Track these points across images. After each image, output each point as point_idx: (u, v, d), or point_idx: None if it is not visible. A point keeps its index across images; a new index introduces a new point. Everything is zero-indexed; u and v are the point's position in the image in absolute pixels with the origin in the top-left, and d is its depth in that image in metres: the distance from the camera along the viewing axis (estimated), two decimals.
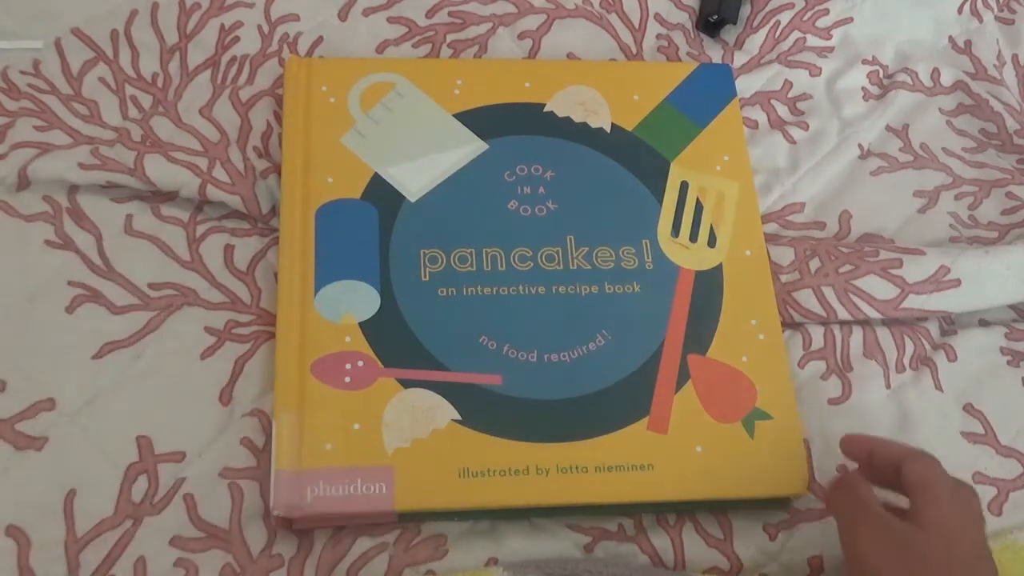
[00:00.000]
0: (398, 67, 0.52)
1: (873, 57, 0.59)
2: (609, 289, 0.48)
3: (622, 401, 0.46)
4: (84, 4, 0.53)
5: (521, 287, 0.47)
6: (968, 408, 0.50)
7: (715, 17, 0.58)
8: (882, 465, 0.41)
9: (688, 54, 0.58)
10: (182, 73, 0.53)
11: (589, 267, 0.48)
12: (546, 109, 0.52)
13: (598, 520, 0.45)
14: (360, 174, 0.49)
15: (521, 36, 0.57)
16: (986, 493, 0.48)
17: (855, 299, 0.50)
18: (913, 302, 0.50)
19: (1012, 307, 0.53)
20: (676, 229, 0.50)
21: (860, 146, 0.57)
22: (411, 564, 0.43)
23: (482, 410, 0.44)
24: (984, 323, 0.53)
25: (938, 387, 0.50)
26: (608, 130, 0.52)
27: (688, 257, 0.50)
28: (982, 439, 0.49)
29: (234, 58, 0.54)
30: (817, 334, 0.51)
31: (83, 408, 0.44)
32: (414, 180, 0.49)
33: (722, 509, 0.46)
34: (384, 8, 0.57)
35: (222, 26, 0.54)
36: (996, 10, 0.63)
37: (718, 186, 0.52)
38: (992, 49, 0.61)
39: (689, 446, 0.45)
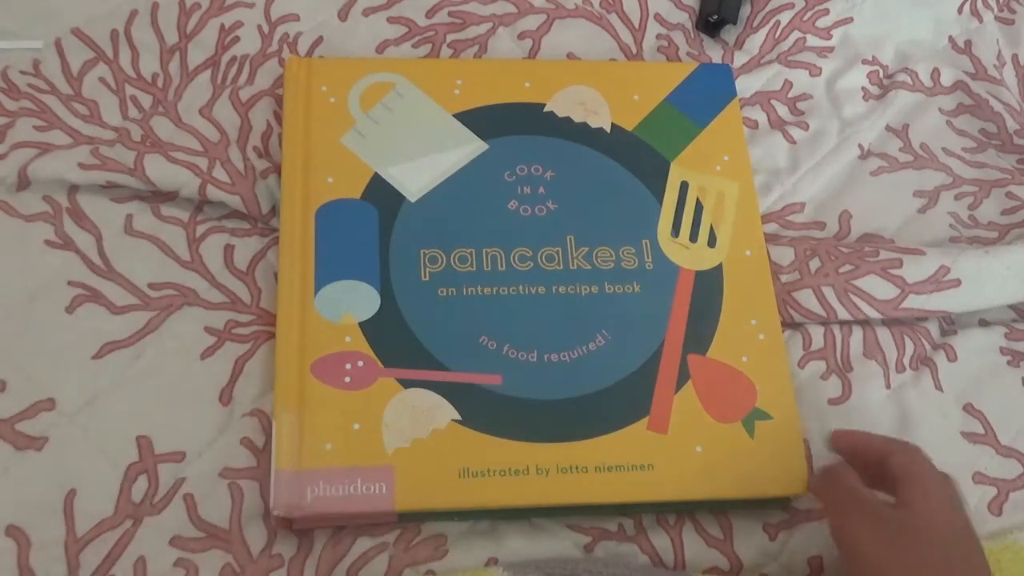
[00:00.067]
0: (398, 67, 0.52)
1: (873, 57, 0.60)
2: (609, 289, 0.48)
3: (622, 401, 0.46)
4: (84, 4, 0.53)
5: (521, 287, 0.47)
6: (968, 408, 0.50)
7: (715, 17, 0.58)
8: (868, 457, 0.42)
9: (688, 54, 0.58)
10: (182, 73, 0.53)
11: (589, 267, 0.48)
12: (546, 109, 0.52)
13: (598, 520, 0.45)
14: (360, 174, 0.49)
15: (521, 36, 0.57)
16: (986, 493, 0.48)
17: (855, 299, 0.50)
18: (913, 302, 0.50)
19: (1012, 307, 0.53)
20: (676, 229, 0.50)
21: (860, 146, 0.57)
22: (411, 564, 0.43)
23: (482, 410, 0.44)
24: (984, 323, 0.53)
25: (938, 387, 0.50)
26: (608, 130, 0.52)
27: (688, 257, 0.50)
28: (982, 439, 0.49)
29: (234, 58, 0.54)
30: (817, 334, 0.51)
31: (83, 408, 0.44)
32: (414, 180, 0.49)
33: (722, 509, 0.46)
34: (384, 8, 0.57)
35: (222, 26, 0.54)
36: (996, 10, 0.63)
37: (718, 186, 0.52)
38: (992, 49, 0.61)
39: (689, 446, 0.45)
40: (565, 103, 0.53)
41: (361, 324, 0.45)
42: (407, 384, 0.45)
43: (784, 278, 0.51)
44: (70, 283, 0.47)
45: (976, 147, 0.58)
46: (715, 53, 0.59)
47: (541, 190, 0.50)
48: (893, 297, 0.50)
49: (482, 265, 0.48)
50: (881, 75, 0.59)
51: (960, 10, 0.62)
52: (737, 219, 0.51)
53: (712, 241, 0.50)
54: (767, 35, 0.59)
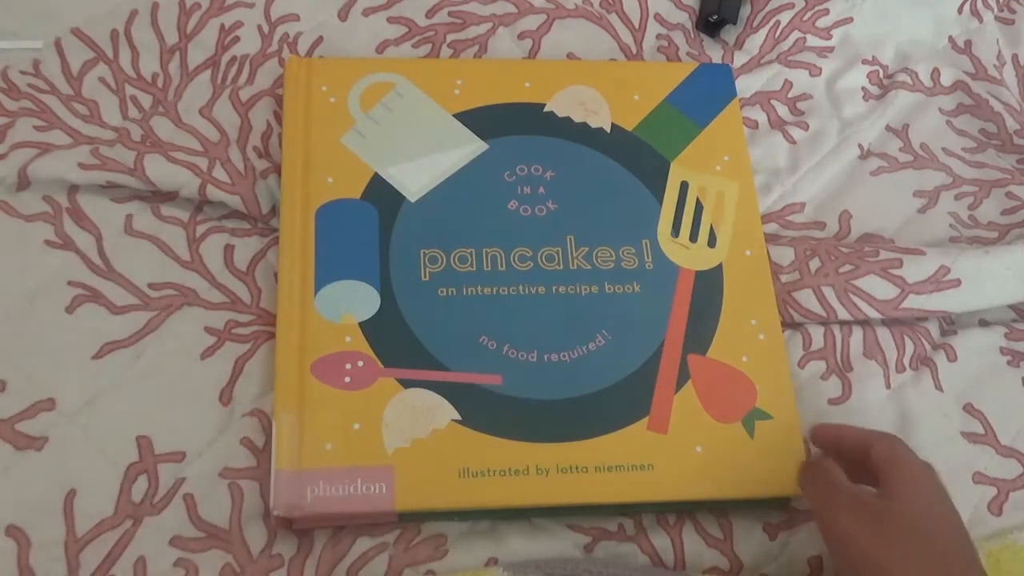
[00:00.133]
0: (398, 67, 0.52)
1: (873, 57, 0.59)
2: (609, 289, 0.48)
3: (622, 401, 0.46)
4: (84, 4, 0.53)
5: (521, 287, 0.47)
6: (968, 408, 0.50)
7: (715, 17, 0.58)
8: (851, 449, 0.43)
9: (688, 54, 0.58)
10: (182, 73, 0.53)
11: (589, 267, 0.48)
12: (546, 109, 0.52)
13: (598, 520, 0.45)
14: (360, 174, 0.49)
15: (521, 36, 0.57)
16: (986, 493, 0.48)
17: (855, 299, 0.50)
18: (913, 302, 0.50)
19: (1012, 307, 0.53)
20: (676, 229, 0.50)
21: (860, 146, 0.57)
22: (411, 564, 0.43)
23: (482, 410, 0.44)
24: (984, 323, 0.53)
25: (938, 387, 0.50)
26: (608, 130, 0.52)
27: (688, 257, 0.50)
28: (982, 439, 0.49)
29: (234, 58, 0.54)
30: (817, 334, 0.51)
31: (83, 408, 0.44)
32: (414, 180, 0.49)
33: (722, 509, 0.46)
34: (384, 8, 0.57)
35: (222, 26, 0.54)
36: (996, 10, 0.63)
37: (718, 186, 0.52)
38: (992, 49, 0.61)
39: (689, 446, 0.45)
40: (565, 103, 0.53)
41: (361, 324, 0.45)
42: (407, 384, 0.45)
43: (784, 278, 0.51)
44: (70, 283, 0.47)
45: (976, 147, 0.58)
46: (715, 53, 0.59)
47: (541, 190, 0.50)
48: (893, 297, 0.50)
49: (482, 265, 0.48)
50: (881, 75, 0.59)
51: (960, 10, 0.62)
52: (737, 219, 0.51)
53: (712, 241, 0.50)
54: (767, 35, 0.59)
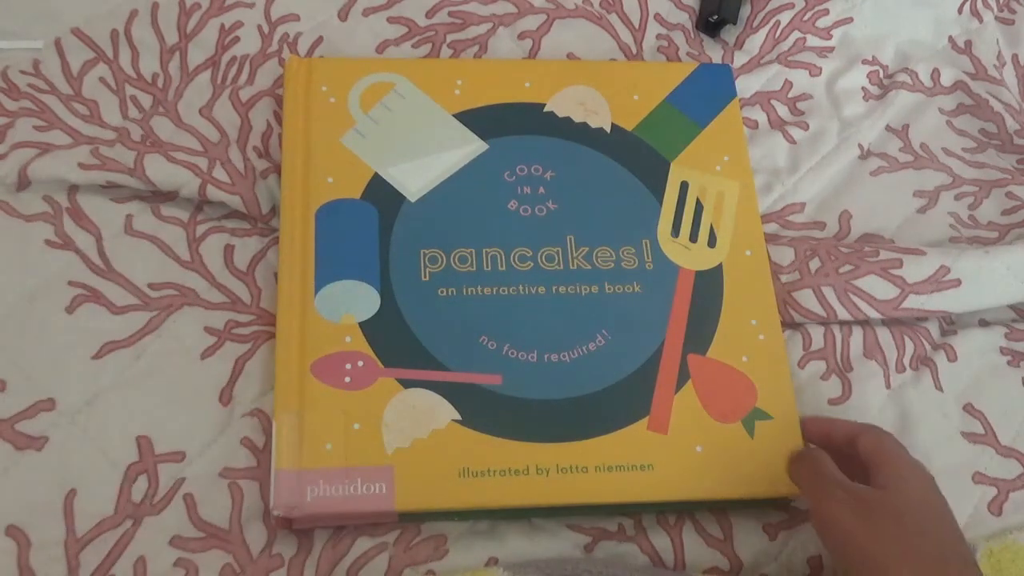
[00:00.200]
0: (398, 67, 0.52)
1: (873, 57, 0.59)
2: (609, 289, 0.48)
3: (622, 401, 0.46)
4: (84, 4, 0.53)
5: (521, 287, 0.47)
6: (968, 408, 0.50)
7: (715, 17, 0.58)
8: (839, 441, 0.43)
9: (688, 54, 0.58)
10: (182, 73, 0.53)
11: (589, 267, 0.48)
12: (546, 109, 0.52)
13: (598, 520, 0.45)
14: (360, 174, 0.49)
15: (521, 36, 0.57)
16: (986, 493, 0.48)
17: (855, 299, 0.50)
18: (913, 302, 0.50)
19: (1012, 307, 0.53)
20: (676, 229, 0.50)
21: (860, 146, 0.57)
22: (411, 564, 0.43)
23: (482, 410, 0.44)
24: (984, 323, 0.53)
25: (938, 387, 0.50)
26: (608, 130, 0.52)
27: (688, 257, 0.50)
28: (982, 439, 0.49)
29: (234, 58, 0.54)
30: (817, 334, 0.51)
31: (83, 408, 0.44)
32: (414, 180, 0.49)
33: (722, 509, 0.46)
34: (384, 8, 0.57)
35: (222, 26, 0.54)
36: (996, 10, 0.63)
37: (718, 186, 0.52)
38: (992, 49, 0.61)
39: (689, 446, 0.45)
40: (565, 103, 0.53)
41: (361, 324, 0.45)
42: (407, 384, 0.45)
43: (784, 278, 0.51)
44: (70, 283, 0.47)
45: (976, 147, 0.58)
46: (715, 53, 0.59)
47: (541, 190, 0.50)
48: (893, 297, 0.50)
49: (482, 265, 0.48)
50: (881, 75, 0.59)
51: (960, 10, 0.62)
52: (737, 219, 0.51)
53: (712, 241, 0.50)
54: (767, 35, 0.59)
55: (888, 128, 0.58)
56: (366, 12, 0.56)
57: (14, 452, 0.43)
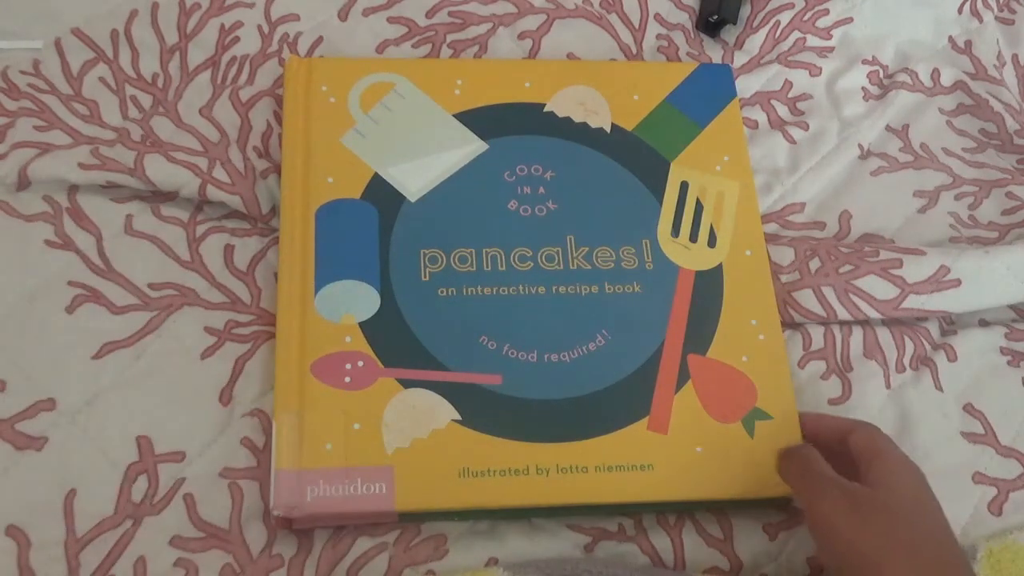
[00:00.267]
0: (398, 67, 0.52)
1: (873, 57, 0.59)
2: (609, 289, 0.48)
3: (622, 401, 0.46)
4: (84, 4, 0.53)
5: (521, 287, 0.47)
6: (968, 408, 0.50)
7: (715, 17, 0.58)
8: (830, 438, 0.43)
9: (688, 54, 0.58)
10: (182, 73, 0.53)
11: (589, 267, 0.48)
12: (546, 109, 0.52)
13: (598, 520, 0.45)
14: (360, 174, 0.49)
15: (521, 36, 0.57)
16: (986, 493, 0.48)
17: (855, 299, 0.50)
18: (913, 302, 0.50)
19: (1012, 307, 0.53)
20: (676, 229, 0.50)
21: (860, 146, 0.57)
22: (411, 564, 0.43)
23: (482, 410, 0.44)
24: (984, 323, 0.53)
25: (938, 387, 0.50)
26: (608, 130, 0.52)
27: (688, 257, 0.50)
28: (982, 439, 0.49)
29: (234, 58, 0.54)
30: (817, 334, 0.51)
31: (83, 408, 0.44)
32: (414, 180, 0.49)
33: (722, 509, 0.46)
34: (384, 8, 0.57)
35: (222, 26, 0.54)
36: (996, 10, 0.63)
37: (718, 186, 0.52)
38: (992, 49, 0.61)
39: (689, 446, 0.45)
40: (565, 103, 0.53)
41: (361, 324, 0.45)
42: (407, 384, 0.45)
43: (784, 278, 0.51)
44: (70, 283, 0.47)
45: (976, 147, 0.58)
46: (715, 53, 0.59)
47: (541, 190, 0.50)
48: (893, 297, 0.50)
49: (482, 265, 0.48)
50: (881, 75, 0.59)
51: (960, 10, 0.62)
52: (737, 219, 0.51)
53: (712, 241, 0.50)
54: (767, 35, 0.59)
55: (888, 128, 0.58)
56: (366, 12, 0.56)
57: (14, 452, 0.43)
